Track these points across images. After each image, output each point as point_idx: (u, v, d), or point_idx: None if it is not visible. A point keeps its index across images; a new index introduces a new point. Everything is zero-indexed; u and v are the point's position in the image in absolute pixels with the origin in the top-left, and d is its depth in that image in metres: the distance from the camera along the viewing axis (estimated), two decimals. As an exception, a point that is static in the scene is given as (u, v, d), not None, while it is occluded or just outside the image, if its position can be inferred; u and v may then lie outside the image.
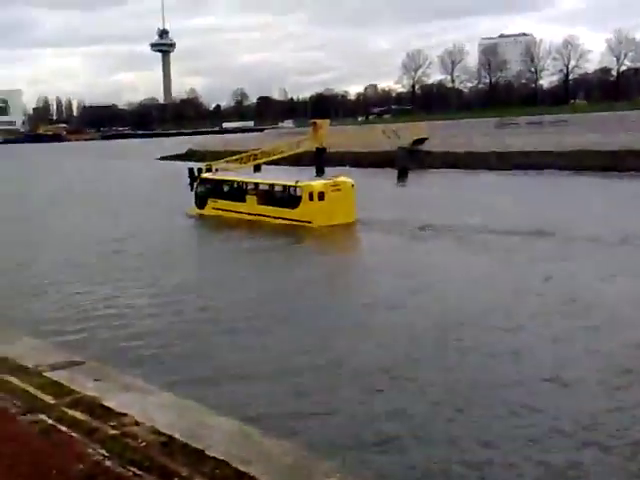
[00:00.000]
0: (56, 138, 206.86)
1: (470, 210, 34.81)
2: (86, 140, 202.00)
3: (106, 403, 6.34)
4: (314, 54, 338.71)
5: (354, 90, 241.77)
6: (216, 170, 45.28)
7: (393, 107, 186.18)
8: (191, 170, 44.35)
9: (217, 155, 66.77)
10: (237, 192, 38.15)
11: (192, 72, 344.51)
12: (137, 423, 5.95)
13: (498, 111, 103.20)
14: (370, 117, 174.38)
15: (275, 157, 60.17)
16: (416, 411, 10.92)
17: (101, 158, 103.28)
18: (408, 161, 58.88)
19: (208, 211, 39.12)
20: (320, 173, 62.07)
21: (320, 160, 63.20)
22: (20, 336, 9.09)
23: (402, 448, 9.56)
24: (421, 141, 65.93)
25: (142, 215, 39.71)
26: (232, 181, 39.33)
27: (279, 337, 15.30)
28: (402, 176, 56.65)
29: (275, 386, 12.47)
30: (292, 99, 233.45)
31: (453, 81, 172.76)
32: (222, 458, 5.36)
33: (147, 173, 71.64)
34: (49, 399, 6.46)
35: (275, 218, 34.46)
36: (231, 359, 13.78)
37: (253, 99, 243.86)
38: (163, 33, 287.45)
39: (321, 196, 33.53)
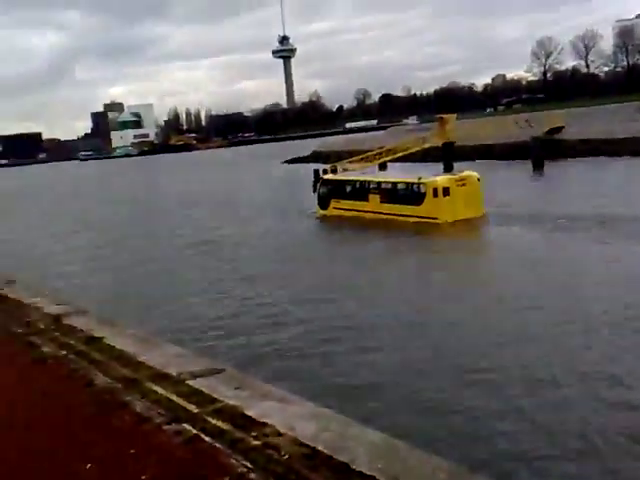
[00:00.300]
0: (186, 147, 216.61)
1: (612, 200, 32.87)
2: (215, 148, 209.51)
3: (247, 412, 6.21)
4: (437, 48, 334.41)
5: (481, 82, 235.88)
6: (343, 170, 45.59)
7: (524, 96, 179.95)
8: (316, 172, 44.83)
9: (341, 155, 67.07)
10: (359, 191, 38.20)
11: (313, 75, 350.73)
12: (279, 434, 5.76)
13: (638, 95, 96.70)
14: (499, 108, 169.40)
15: (400, 154, 59.63)
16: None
17: (230, 165, 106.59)
18: (543, 152, 56.56)
19: (330, 211, 39.41)
20: (449, 169, 60.94)
21: (448, 155, 61.94)
22: (162, 344, 9.19)
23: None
24: (557, 130, 63.23)
25: (269, 218, 40.61)
26: (354, 181, 39.46)
27: (417, 354, 14.72)
28: (537, 167, 54.48)
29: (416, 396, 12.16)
30: (415, 95, 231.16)
31: (588, 66, 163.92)
32: (369, 473, 5.05)
33: (274, 176, 73.11)
34: (192, 408, 6.42)
35: (400, 216, 34.25)
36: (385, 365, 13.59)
37: (376, 98, 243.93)
38: (284, 39, 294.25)
39: (446, 191, 33.05)
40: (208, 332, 17.07)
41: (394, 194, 35.95)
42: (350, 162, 56.11)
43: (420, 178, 34.74)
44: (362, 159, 59.22)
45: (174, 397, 6.87)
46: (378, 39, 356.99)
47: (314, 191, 40.85)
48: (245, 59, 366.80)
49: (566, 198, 37.15)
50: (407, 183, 35.72)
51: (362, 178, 39.20)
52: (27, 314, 11.70)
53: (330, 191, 40.04)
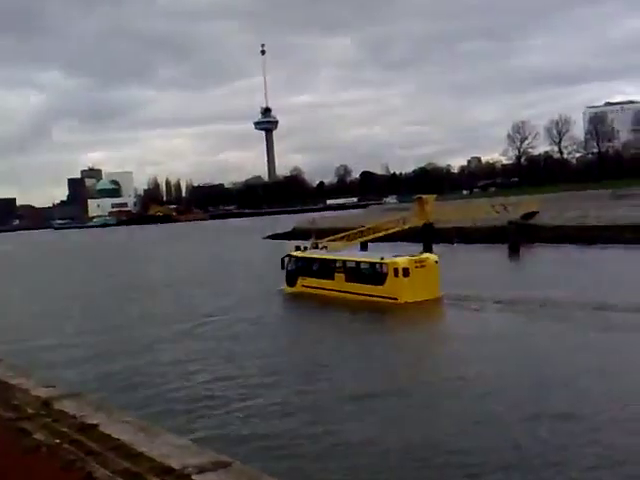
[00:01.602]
0: (166, 219, 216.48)
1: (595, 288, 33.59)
2: (195, 220, 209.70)
3: (261, 514, 5.94)
4: (416, 128, 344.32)
5: (457, 163, 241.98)
6: (322, 248, 45.88)
7: (498, 180, 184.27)
8: (298, 247, 45.06)
9: (323, 232, 67.50)
10: (325, 269, 39.15)
11: (295, 149, 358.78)
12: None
13: (609, 183, 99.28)
14: (475, 191, 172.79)
15: (382, 234, 60.20)
16: None
17: (210, 239, 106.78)
18: (519, 236, 57.56)
19: (298, 288, 39.72)
20: (428, 250, 61.48)
21: (428, 236, 62.64)
22: (162, 433, 8.91)
23: None
24: (531, 215, 64.62)
25: (241, 293, 40.89)
26: (320, 259, 40.36)
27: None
28: (513, 251, 55.34)
29: None
30: (394, 174, 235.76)
31: (561, 152, 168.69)
32: None
33: (252, 252, 73.32)
34: (202, 508, 6.13)
35: (362, 295, 35.21)
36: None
37: (356, 174, 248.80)
38: (266, 111, 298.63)
39: (406, 272, 34.11)
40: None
41: (358, 273, 36.88)
42: (331, 240, 56.54)
43: (382, 258, 35.75)
44: (343, 237, 59.73)
45: (181, 495, 6.60)
46: (360, 115, 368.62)
47: (282, 267, 40.70)
48: (227, 129, 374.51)
49: (529, 283, 38.39)
50: (370, 263, 36.75)
51: (328, 256, 40.26)
52: (14, 396, 11.30)
53: (298, 268, 40.18)
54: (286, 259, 41.37)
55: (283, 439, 15.31)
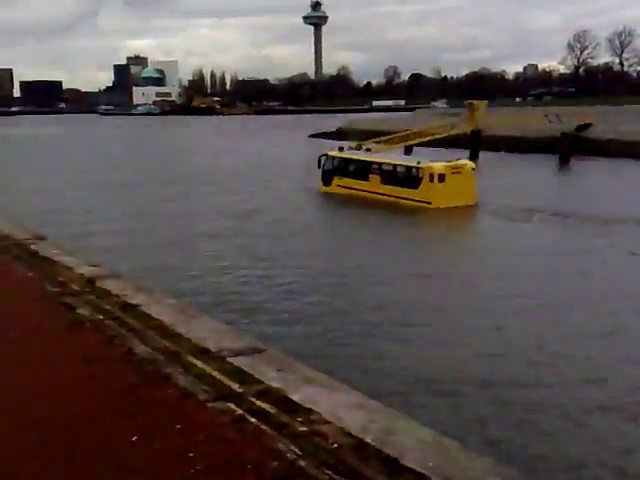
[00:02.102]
0: (210, 111, 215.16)
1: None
2: (238, 114, 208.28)
3: (292, 396, 6.17)
4: (471, 31, 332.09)
5: (512, 70, 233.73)
6: (366, 150, 45.60)
7: (554, 89, 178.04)
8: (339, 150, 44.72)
9: (367, 134, 66.73)
10: (361, 171, 39.27)
11: (344, 47, 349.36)
12: (326, 421, 5.71)
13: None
14: (528, 99, 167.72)
15: (427, 139, 59.30)
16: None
17: (254, 135, 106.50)
18: (571, 148, 56.02)
19: (333, 188, 40.16)
20: (474, 157, 60.49)
21: (475, 144, 61.52)
22: (200, 316, 9.16)
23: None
24: (585, 127, 62.57)
25: (279, 190, 41.75)
26: (357, 160, 40.47)
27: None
28: (564, 163, 54.08)
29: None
30: (446, 77, 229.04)
31: (622, 64, 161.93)
32: (420, 470, 5.01)
33: (295, 150, 72.99)
34: (236, 387, 6.37)
35: (396, 197, 35.58)
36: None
37: (405, 77, 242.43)
38: (316, 5, 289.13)
39: (441, 178, 34.21)
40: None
41: (393, 176, 37.09)
42: (376, 142, 55.90)
43: (419, 162, 35.92)
44: (388, 140, 58.94)
45: (216, 373, 6.83)
46: (412, 15, 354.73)
47: (318, 166, 41.08)
48: (275, 22, 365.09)
49: (575, 196, 37.95)
50: (406, 166, 36.93)
51: (364, 158, 40.27)
52: (60, 273, 11.68)
53: (334, 168, 40.65)
54: (322, 158, 41.47)
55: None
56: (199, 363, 7.14)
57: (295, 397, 6.21)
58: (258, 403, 6.13)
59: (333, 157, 41.36)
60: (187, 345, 7.74)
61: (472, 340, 15.04)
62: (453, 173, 34.46)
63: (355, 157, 40.98)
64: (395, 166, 37.75)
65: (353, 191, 38.65)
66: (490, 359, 13.88)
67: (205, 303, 16.14)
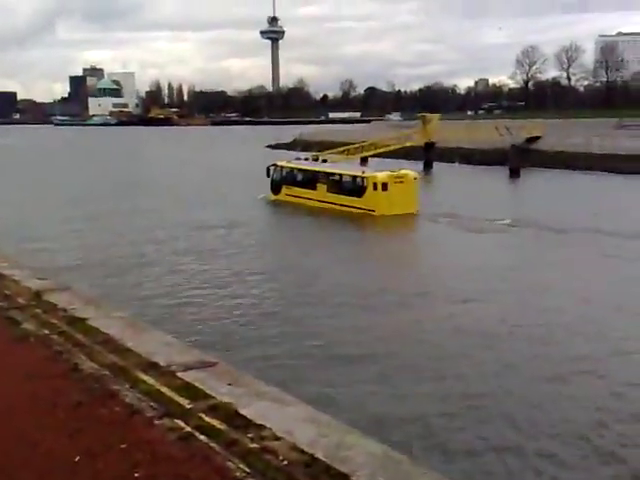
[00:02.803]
0: (167, 122, 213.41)
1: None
2: (196, 125, 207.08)
3: (242, 411, 6.03)
4: (424, 46, 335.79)
5: (464, 84, 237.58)
6: (322, 161, 46.10)
7: (504, 103, 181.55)
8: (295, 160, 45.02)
9: (323, 145, 66.94)
10: (309, 180, 40.20)
11: (300, 61, 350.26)
12: (277, 437, 5.60)
13: (615, 112, 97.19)
14: (480, 112, 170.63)
15: (382, 150, 59.74)
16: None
17: (212, 145, 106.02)
18: (521, 159, 57.08)
19: (282, 197, 41.09)
20: (428, 168, 61.19)
21: (429, 155, 62.24)
22: (150, 329, 8.96)
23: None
24: (535, 139, 63.83)
25: (230, 199, 41.97)
26: (304, 170, 41.46)
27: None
28: (514, 174, 55.05)
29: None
30: (399, 91, 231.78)
31: (569, 79, 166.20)
32: (370, 487, 4.93)
33: (250, 160, 72.53)
34: (185, 403, 6.22)
35: (342, 205, 36.68)
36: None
37: (361, 90, 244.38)
38: (273, 20, 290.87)
39: (385, 187, 35.39)
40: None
41: (339, 185, 38.18)
42: (331, 153, 56.14)
43: (363, 172, 37.38)
44: (344, 151, 59.23)
45: (165, 389, 6.66)
46: (367, 30, 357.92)
47: (267, 176, 41.92)
48: (233, 36, 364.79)
49: (517, 204, 40.24)
50: (351, 176, 38.03)
51: (311, 167, 41.43)
52: (6, 286, 11.34)
53: (282, 178, 41.65)
54: (271, 168, 42.34)
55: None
56: (147, 378, 6.96)
57: (246, 412, 6.08)
58: (207, 419, 5.98)
59: (282, 167, 42.24)
60: (135, 360, 7.54)
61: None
62: (396, 182, 35.51)
63: (302, 167, 41.88)
64: (341, 175, 38.77)
65: (301, 200, 39.52)
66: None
67: (154, 316, 15.81)
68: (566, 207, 37.23)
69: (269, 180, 41.89)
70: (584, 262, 24.30)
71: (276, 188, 41.66)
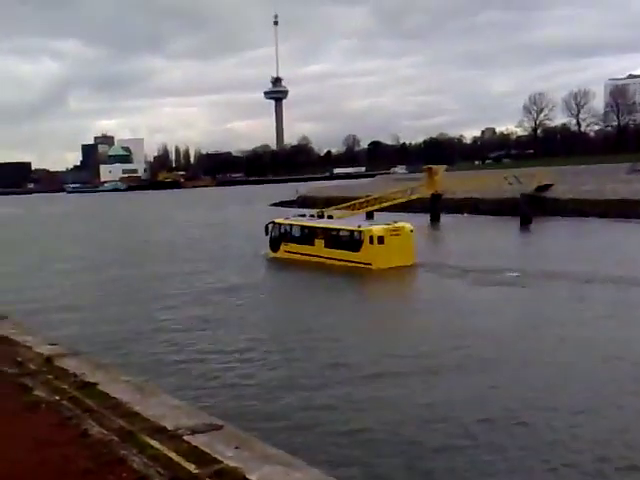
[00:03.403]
0: (174, 185, 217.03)
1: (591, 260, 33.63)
2: (202, 186, 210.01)
3: (249, 476, 6.04)
4: (427, 98, 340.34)
5: (470, 134, 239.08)
6: (327, 217, 46.78)
7: (512, 151, 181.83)
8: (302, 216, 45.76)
9: (329, 201, 67.47)
10: (307, 236, 40.91)
11: (304, 118, 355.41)
12: (284, 503, 5.60)
13: (627, 156, 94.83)
14: (487, 162, 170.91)
15: (388, 204, 60.07)
16: None
17: (216, 205, 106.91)
18: (531, 208, 56.87)
19: (281, 254, 41.68)
20: (435, 220, 61.36)
21: (436, 207, 62.40)
22: (157, 392, 9.02)
23: None
24: (546, 187, 63.84)
25: (231, 256, 43.07)
26: (302, 226, 42.07)
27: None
28: (525, 223, 54.79)
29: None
30: (404, 144, 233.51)
31: (579, 124, 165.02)
32: None
33: (254, 219, 73.00)
34: (192, 468, 6.25)
35: (340, 260, 37.24)
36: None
37: (364, 144, 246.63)
38: (277, 81, 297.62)
39: (381, 240, 35.97)
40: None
41: (336, 240, 38.77)
42: (337, 209, 56.61)
43: (359, 226, 37.99)
44: (349, 206, 59.65)
45: (172, 454, 6.68)
46: (370, 85, 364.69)
47: (266, 234, 42.49)
48: (237, 98, 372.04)
49: (525, 255, 39.96)
50: (348, 230, 38.68)
51: (309, 223, 42.27)
52: (17, 353, 11.46)
53: (280, 234, 42.31)
54: (270, 226, 43.04)
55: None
56: (155, 443, 6.99)
57: (253, 477, 6.10)
58: (214, 485, 6.00)
59: (280, 224, 42.98)
60: (143, 424, 7.59)
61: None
62: (392, 235, 36.06)
63: (300, 223, 42.59)
64: (338, 230, 39.53)
65: (299, 255, 40.09)
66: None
67: (164, 380, 15.84)
68: (585, 255, 36.29)
69: (267, 238, 42.54)
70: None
71: (275, 245, 42.30)
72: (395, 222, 37.73)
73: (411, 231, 36.63)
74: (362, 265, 35.69)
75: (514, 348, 19.44)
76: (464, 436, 13.13)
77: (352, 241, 37.35)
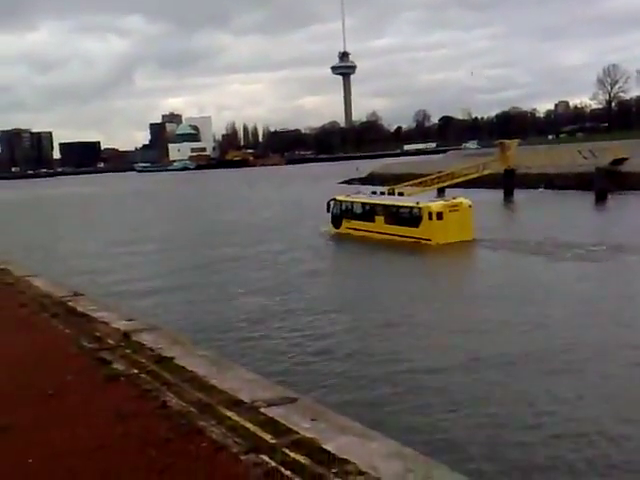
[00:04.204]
0: (243, 163, 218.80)
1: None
2: (271, 165, 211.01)
3: (325, 446, 6.03)
4: (500, 71, 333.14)
5: (543, 108, 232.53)
6: (398, 194, 46.73)
7: (587, 125, 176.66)
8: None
9: (399, 178, 66.83)
10: (367, 213, 41.73)
11: (373, 94, 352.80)
12: (361, 472, 5.58)
13: None
14: (561, 136, 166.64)
15: (460, 180, 59.12)
16: None
17: (286, 183, 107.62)
18: (607, 183, 55.05)
19: (343, 230, 42.65)
20: (509, 196, 60.13)
21: (509, 183, 61.12)
22: (233, 367, 9.12)
23: None
24: (621, 161, 61.63)
25: (297, 233, 44.18)
26: (362, 202, 42.89)
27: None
28: (600, 198, 53.11)
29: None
30: (476, 118, 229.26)
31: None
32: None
33: (323, 196, 73.17)
34: (269, 438, 6.28)
35: (400, 236, 37.88)
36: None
37: (435, 120, 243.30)
38: (344, 56, 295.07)
39: (439, 216, 36.38)
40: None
41: (396, 216, 39.41)
42: (407, 186, 56.07)
43: (418, 203, 38.46)
44: (420, 183, 59.01)
45: (249, 425, 6.75)
46: (440, 59, 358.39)
47: (327, 211, 43.55)
48: (305, 74, 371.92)
49: (599, 231, 38.44)
50: (407, 207, 39.32)
51: (370, 200, 42.96)
52: (96, 328, 11.78)
53: (342, 212, 43.23)
54: (331, 203, 43.94)
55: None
56: (232, 415, 7.08)
57: (329, 447, 6.10)
58: (292, 455, 6.02)
59: (341, 201, 43.91)
60: (220, 397, 7.69)
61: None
62: (451, 211, 36.49)
63: (361, 200, 43.35)
64: (397, 207, 40.13)
65: (360, 232, 40.93)
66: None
67: (236, 353, 16.09)
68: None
69: (329, 214, 43.53)
70: None
71: (336, 222, 43.25)
72: (454, 198, 38.12)
73: (469, 206, 36.83)
74: (422, 241, 36.33)
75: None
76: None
77: (411, 217, 37.98)
